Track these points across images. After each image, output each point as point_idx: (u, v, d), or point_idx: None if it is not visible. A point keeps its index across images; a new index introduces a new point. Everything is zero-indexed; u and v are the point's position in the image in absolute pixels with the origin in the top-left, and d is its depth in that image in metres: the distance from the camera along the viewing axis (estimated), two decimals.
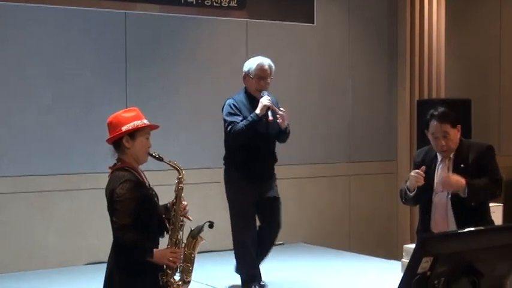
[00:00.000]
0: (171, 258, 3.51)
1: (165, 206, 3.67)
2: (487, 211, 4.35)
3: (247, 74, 5.56)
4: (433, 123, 4.26)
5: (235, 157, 5.57)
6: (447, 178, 4.17)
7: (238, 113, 5.46)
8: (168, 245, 3.60)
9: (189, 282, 3.63)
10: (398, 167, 8.70)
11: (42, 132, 6.84)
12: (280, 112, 5.49)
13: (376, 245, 8.41)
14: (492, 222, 4.38)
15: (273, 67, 5.58)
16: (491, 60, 9.11)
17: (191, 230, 3.67)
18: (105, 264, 3.63)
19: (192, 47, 7.54)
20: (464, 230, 2.53)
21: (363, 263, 7.09)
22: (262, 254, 5.78)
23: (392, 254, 7.85)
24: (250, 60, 5.62)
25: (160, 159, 3.65)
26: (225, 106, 5.55)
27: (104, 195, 3.59)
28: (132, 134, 3.55)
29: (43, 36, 6.82)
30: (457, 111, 7.67)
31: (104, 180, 3.72)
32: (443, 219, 4.28)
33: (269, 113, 5.40)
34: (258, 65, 5.52)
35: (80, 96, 6.99)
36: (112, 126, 3.59)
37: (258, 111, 5.40)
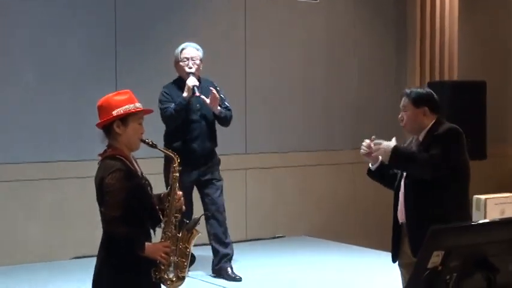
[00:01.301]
0: (163, 254, 3.53)
1: (159, 196, 3.68)
2: (447, 202, 4.21)
3: (176, 61, 6.16)
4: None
5: (172, 140, 5.99)
6: (378, 142, 4.29)
7: (171, 100, 6.03)
8: (161, 239, 3.62)
9: (183, 278, 3.63)
10: None
11: (24, 115, 6.84)
12: (215, 95, 6.00)
13: (383, 238, 8.37)
14: (465, 217, 4.24)
15: (201, 50, 6.17)
16: (509, 40, 9.08)
17: (186, 223, 3.68)
18: (94, 259, 3.63)
19: (188, 24, 7.57)
20: (479, 222, 2.55)
21: (368, 257, 7.15)
22: (220, 235, 6.05)
23: None
24: (177, 48, 6.20)
25: (154, 146, 3.67)
26: (159, 95, 6.10)
27: (93, 184, 3.60)
28: (124, 119, 3.56)
29: (25, 11, 6.81)
30: (471, 94, 7.75)
31: (92, 168, 3.72)
32: (401, 209, 4.34)
33: (195, 89, 5.96)
34: (183, 48, 6.16)
35: (66, 76, 6.99)
36: (102, 109, 3.59)
37: (184, 94, 5.99)
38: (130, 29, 7.28)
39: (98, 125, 3.62)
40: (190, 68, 6.11)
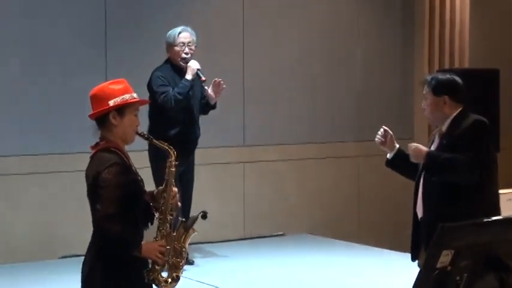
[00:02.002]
0: (159, 254, 3.53)
1: (151, 193, 3.68)
2: (473, 197, 4.22)
3: (170, 44, 6.27)
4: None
5: (167, 128, 6.10)
6: (409, 147, 4.29)
7: (168, 84, 6.14)
8: (155, 238, 3.61)
9: (178, 278, 3.63)
10: None
11: (9, 105, 6.82)
12: (221, 85, 6.23)
13: (389, 236, 8.40)
14: (493, 213, 4.17)
15: (195, 35, 6.33)
16: None
17: (183, 221, 3.69)
18: (82, 258, 3.63)
19: (183, 9, 7.55)
20: (490, 219, 2.55)
21: (373, 255, 7.17)
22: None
23: (408, 246, 7.73)
24: (171, 30, 6.32)
25: (149, 139, 3.69)
26: (152, 78, 6.17)
27: (82, 179, 3.58)
28: (121, 109, 3.56)
29: None
30: (484, 82, 7.72)
31: (82, 161, 3.69)
32: (420, 204, 4.38)
33: (200, 73, 6.14)
34: (180, 32, 6.26)
35: (54, 63, 6.97)
36: (97, 99, 3.58)
37: (188, 76, 6.13)
38: (121, 14, 7.27)
39: (91, 115, 3.61)
40: (187, 53, 6.21)
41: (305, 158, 8.23)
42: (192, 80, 6.13)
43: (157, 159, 5.79)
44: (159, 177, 5.73)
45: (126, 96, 3.57)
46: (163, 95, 6.07)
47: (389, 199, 8.65)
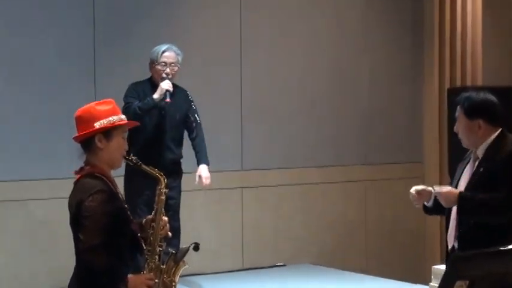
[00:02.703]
0: None
1: (140, 222, 3.69)
2: (506, 231, 4.19)
3: (153, 62, 6.39)
4: None
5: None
6: (438, 192, 4.27)
7: (136, 97, 6.31)
8: (143, 271, 3.61)
9: None
10: (425, 169, 8.71)
11: None
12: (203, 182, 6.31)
13: (398, 266, 8.36)
14: None
15: (181, 55, 6.44)
16: None
17: (173, 253, 3.68)
18: None
19: (174, 21, 7.54)
20: (505, 248, 2.52)
21: (382, 287, 7.10)
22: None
23: (419, 276, 7.76)
24: (156, 47, 6.43)
25: (138, 164, 3.72)
26: (126, 90, 6.40)
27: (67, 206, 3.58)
28: (107, 132, 3.57)
29: None
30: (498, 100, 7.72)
31: (68, 187, 3.70)
32: (451, 233, 4.34)
33: (167, 94, 6.22)
34: (163, 50, 6.38)
35: (37, 82, 6.96)
36: (82, 121, 3.59)
37: (155, 95, 6.22)
38: (111, 27, 7.26)
39: (76, 138, 3.62)
40: (168, 74, 6.32)
41: (308, 182, 8.21)
42: (162, 99, 6.22)
43: (131, 179, 6.07)
44: (129, 198, 5.71)
45: (114, 118, 3.58)
46: (126, 105, 6.20)
47: (398, 226, 8.63)
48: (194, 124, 6.45)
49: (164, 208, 5.48)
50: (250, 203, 7.91)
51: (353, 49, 8.51)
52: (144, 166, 3.70)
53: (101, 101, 3.68)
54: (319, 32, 8.32)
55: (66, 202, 3.62)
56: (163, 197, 3.68)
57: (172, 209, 6.12)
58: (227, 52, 7.81)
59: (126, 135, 3.66)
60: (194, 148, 6.48)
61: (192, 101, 6.48)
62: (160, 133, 6.35)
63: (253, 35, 7.92)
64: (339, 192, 8.38)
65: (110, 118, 3.57)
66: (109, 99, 3.70)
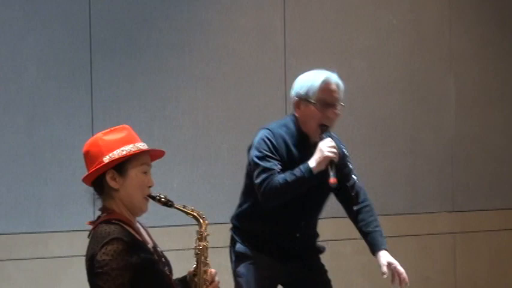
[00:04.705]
0: None
1: (183, 279, 3.57)
2: None
3: (304, 99, 4.81)
4: None
5: (251, 215, 5.07)
6: None
7: (276, 157, 4.81)
8: None
9: None
10: None
11: None
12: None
13: None
14: None
15: (342, 87, 4.92)
16: None
17: None
18: None
19: (193, 26, 7.07)
20: None
21: None
22: None
23: None
24: (304, 76, 4.92)
25: (169, 204, 3.51)
26: (256, 141, 4.90)
27: (82, 265, 3.48)
28: (121, 166, 3.42)
29: None
30: None
31: (84, 241, 3.58)
32: None
33: (330, 172, 4.68)
34: (323, 82, 4.78)
35: (23, 105, 6.60)
36: (90, 157, 3.47)
37: (313, 163, 4.67)
38: (109, 38, 6.92)
39: (84, 179, 3.50)
40: (332, 118, 4.83)
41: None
42: (321, 171, 4.72)
43: (239, 256, 5.09)
44: (241, 279, 5.05)
45: (127, 148, 3.43)
46: (264, 176, 4.74)
47: None
48: (354, 189, 5.07)
49: None
50: None
51: (434, 57, 7.93)
52: (177, 205, 3.51)
53: (112, 128, 3.53)
54: (388, 36, 7.79)
55: (81, 260, 3.57)
56: (204, 243, 3.52)
57: None
58: (270, 69, 7.33)
59: (149, 168, 3.49)
60: (360, 222, 5.07)
61: (348, 156, 5.07)
62: (302, 209, 4.97)
63: (298, 47, 7.43)
64: (418, 248, 7.88)
65: (122, 148, 3.41)
66: (123, 125, 3.55)
